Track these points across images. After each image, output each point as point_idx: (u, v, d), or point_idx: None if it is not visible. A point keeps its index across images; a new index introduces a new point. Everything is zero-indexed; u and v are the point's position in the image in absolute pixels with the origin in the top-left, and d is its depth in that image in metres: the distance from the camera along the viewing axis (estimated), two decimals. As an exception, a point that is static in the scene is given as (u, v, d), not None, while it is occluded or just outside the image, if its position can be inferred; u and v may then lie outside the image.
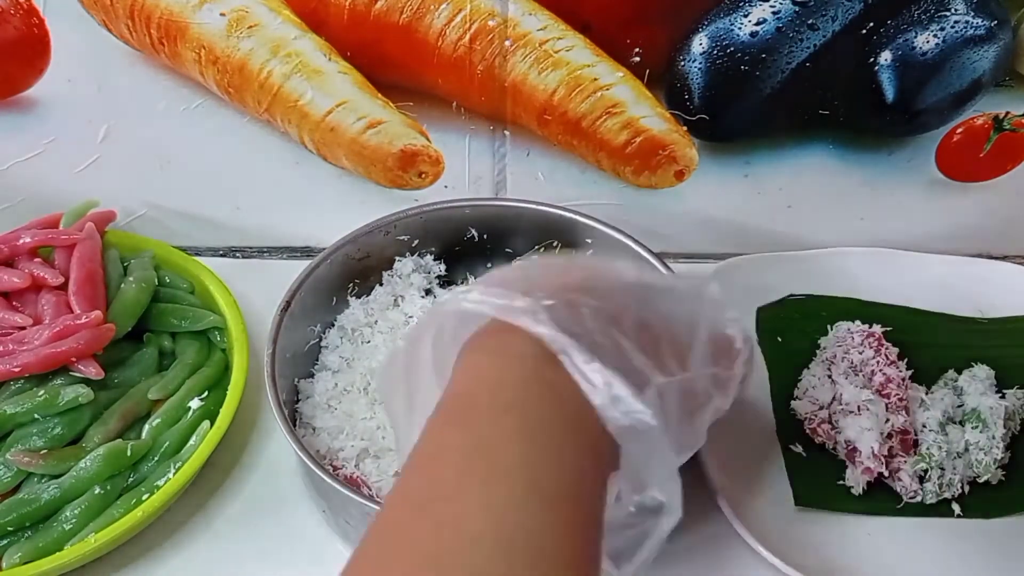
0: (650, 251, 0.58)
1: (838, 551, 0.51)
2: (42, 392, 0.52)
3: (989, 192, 0.67)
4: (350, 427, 0.53)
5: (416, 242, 0.61)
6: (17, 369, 0.52)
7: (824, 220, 0.69)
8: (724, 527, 0.52)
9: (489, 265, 0.62)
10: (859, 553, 0.51)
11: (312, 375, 0.57)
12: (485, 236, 0.61)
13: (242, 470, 0.56)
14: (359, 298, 0.60)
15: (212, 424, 0.53)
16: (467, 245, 0.62)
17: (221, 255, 0.65)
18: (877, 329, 0.60)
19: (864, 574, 0.50)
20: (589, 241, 0.59)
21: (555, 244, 0.61)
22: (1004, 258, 0.69)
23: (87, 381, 0.54)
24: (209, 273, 0.62)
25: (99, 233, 0.64)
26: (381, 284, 0.61)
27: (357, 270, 0.60)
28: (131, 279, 0.60)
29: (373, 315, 0.59)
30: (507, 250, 0.62)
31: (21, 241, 0.61)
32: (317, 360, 0.58)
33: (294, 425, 0.53)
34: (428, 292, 0.61)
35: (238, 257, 0.71)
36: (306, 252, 0.73)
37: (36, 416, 0.53)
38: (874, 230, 0.69)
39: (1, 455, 0.52)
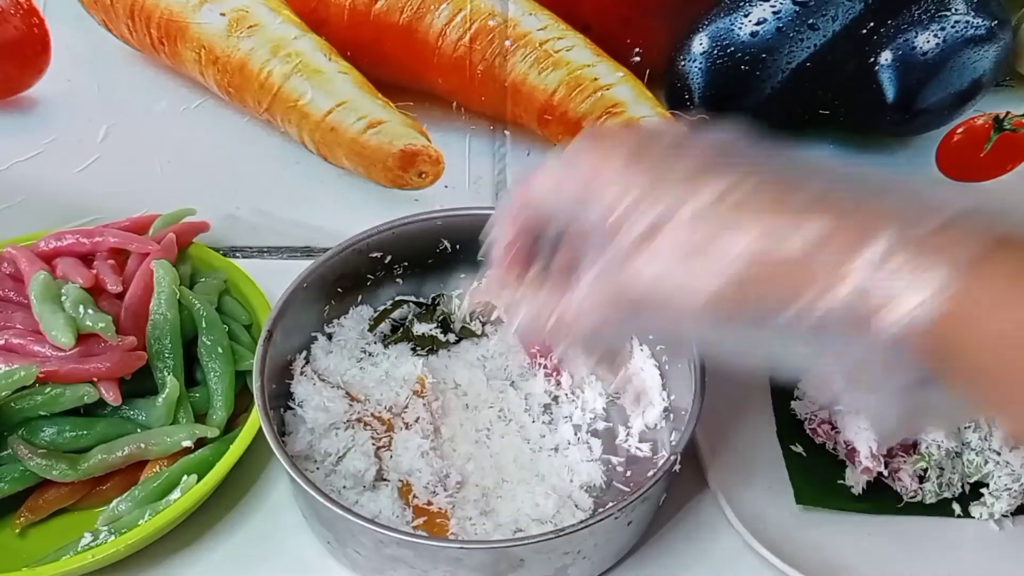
0: None
1: (838, 551, 0.51)
2: (48, 388, 0.52)
3: (989, 192, 0.67)
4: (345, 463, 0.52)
5: (389, 258, 0.60)
6: (41, 374, 0.52)
7: (824, 220, 0.69)
8: (724, 527, 0.52)
9: (463, 276, 0.62)
10: (859, 553, 0.51)
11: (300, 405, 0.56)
12: (458, 246, 0.61)
13: (241, 503, 0.55)
14: (335, 320, 0.60)
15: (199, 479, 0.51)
16: (440, 257, 0.61)
17: (221, 255, 0.65)
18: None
19: (864, 574, 0.50)
20: None
21: None
22: (1004, 258, 0.69)
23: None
24: (266, 308, 0.60)
25: (187, 243, 0.64)
26: (356, 305, 0.61)
27: (333, 291, 0.59)
28: (184, 304, 0.58)
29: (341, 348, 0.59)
30: (480, 259, 0.61)
31: (103, 239, 0.61)
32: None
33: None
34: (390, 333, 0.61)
35: (238, 257, 0.71)
36: (306, 252, 0.73)
37: (41, 412, 0.52)
38: (874, 230, 0.69)
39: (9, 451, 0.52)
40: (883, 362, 0.32)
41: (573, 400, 0.57)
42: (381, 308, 0.61)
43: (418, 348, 0.59)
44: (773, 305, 0.32)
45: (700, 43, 0.60)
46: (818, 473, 0.55)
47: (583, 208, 0.36)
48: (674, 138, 0.37)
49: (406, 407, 0.56)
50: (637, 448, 0.55)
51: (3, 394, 0.51)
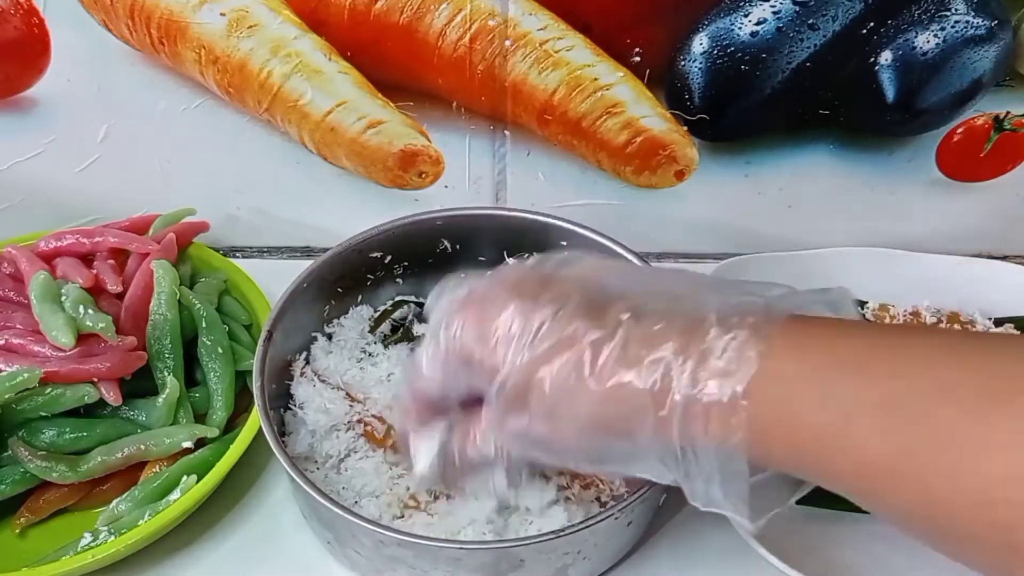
0: (629, 250, 0.57)
1: (838, 551, 0.51)
2: (49, 388, 0.52)
3: (989, 192, 0.67)
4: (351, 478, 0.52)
5: (389, 258, 0.60)
6: (42, 375, 0.52)
7: (824, 220, 0.69)
8: (724, 527, 0.52)
9: (463, 276, 0.62)
10: (859, 553, 0.51)
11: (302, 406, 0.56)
12: (458, 246, 0.61)
13: (241, 503, 0.55)
14: (335, 320, 0.60)
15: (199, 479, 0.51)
16: (439, 257, 0.61)
17: (222, 255, 0.65)
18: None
19: (864, 574, 0.50)
20: (564, 244, 0.59)
21: (527, 256, 0.60)
22: (1004, 258, 0.69)
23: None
24: (266, 308, 0.60)
25: (187, 243, 0.64)
26: (356, 305, 0.61)
27: (333, 291, 0.59)
28: (184, 304, 0.58)
29: (342, 349, 0.58)
30: (480, 259, 0.61)
31: (103, 239, 0.61)
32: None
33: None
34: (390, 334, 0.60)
35: (238, 257, 0.71)
36: (306, 252, 0.73)
37: (42, 413, 0.52)
38: (874, 230, 0.69)
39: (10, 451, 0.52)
40: (722, 476, 0.34)
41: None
42: (382, 309, 0.61)
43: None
44: (624, 438, 0.36)
45: (700, 43, 0.60)
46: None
47: (466, 376, 0.40)
48: (509, 283, 0.40)
49: None
50: (637, 448, 0.54)
51: (6, 396, 0.51)
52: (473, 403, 0.42)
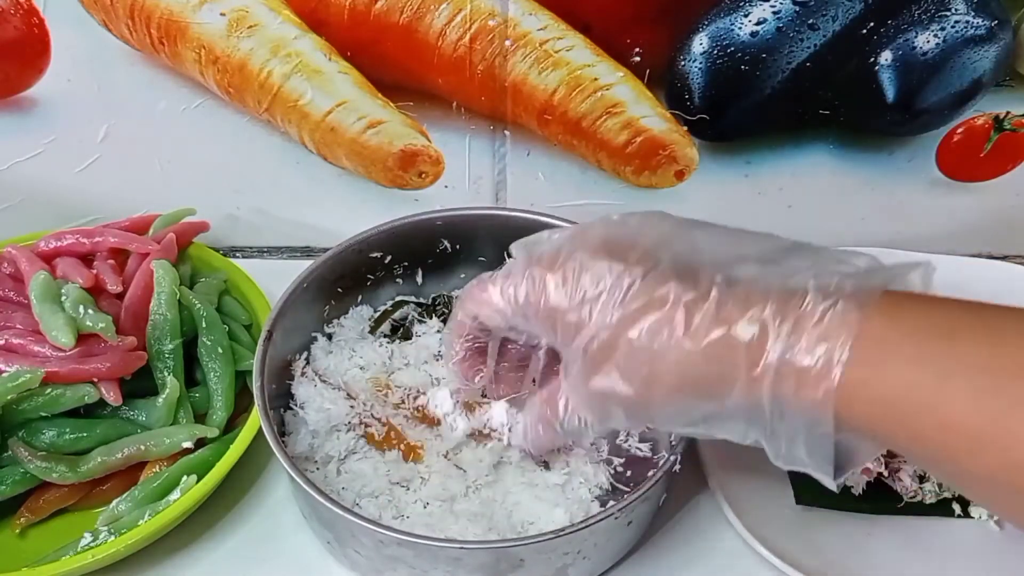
0: None
1: (838, 551, 0.51)
2: (49, 389, 0.52)
3: (989, 192, 0.67)
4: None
5: (389, 258, 0.60)
6: (43, 375, 0.52)
7: (824, 220, 0.69)
8: (724, 527, 0.52)
9: (463, 276, 0.62)
10: (859, 553, 0.51)
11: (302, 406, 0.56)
12: (458, 246, 0.61)
13: (241, 503, 0.55)
14: (335, 320, 0.60)
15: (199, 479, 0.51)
16: (439, 257, 0.61)
17: (221, 255, 0.65)
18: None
19: (864, 574, 0.50)
20: None
21: None
22: (1004, 258, 0.69)
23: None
24: (266, 308, 0.60)
25: (187, 243, 0.64)
26: (356, 305, 0.61)
27: (333, 291, 0.59)
28: (184, 304, 0.58)
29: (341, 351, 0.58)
30: (480, 259, 0.61)
31: (103, 239, 0.61)
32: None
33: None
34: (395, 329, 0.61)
35: (238, 257, 0.71)
36: (306, 252, 0.73)
37: (42, 413, 0.52)
38: (874, 230, 0.69)
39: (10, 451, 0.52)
40: (808, 438, 0.35)
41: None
42: (382, 309, 0.61)
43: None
44: (711, 398, 0.36)
45: (700, 43, 0.60)
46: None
47: (543, 330, 0.41)
48: (596, 242, 0.41)
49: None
50: (637, 448, 0.54)
51: (8, 398, 0.51)
52: (514, 364, 0.44)
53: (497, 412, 0.52)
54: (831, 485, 0.37)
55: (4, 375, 0.51)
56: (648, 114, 0.64)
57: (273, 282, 0.59)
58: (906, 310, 0.34)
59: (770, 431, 0.36)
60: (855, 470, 0.38)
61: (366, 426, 0.54)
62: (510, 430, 0.51)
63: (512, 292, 0.41)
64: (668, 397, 0.37)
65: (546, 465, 0.52)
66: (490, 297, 0.43)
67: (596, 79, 0.62)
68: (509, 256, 0.59)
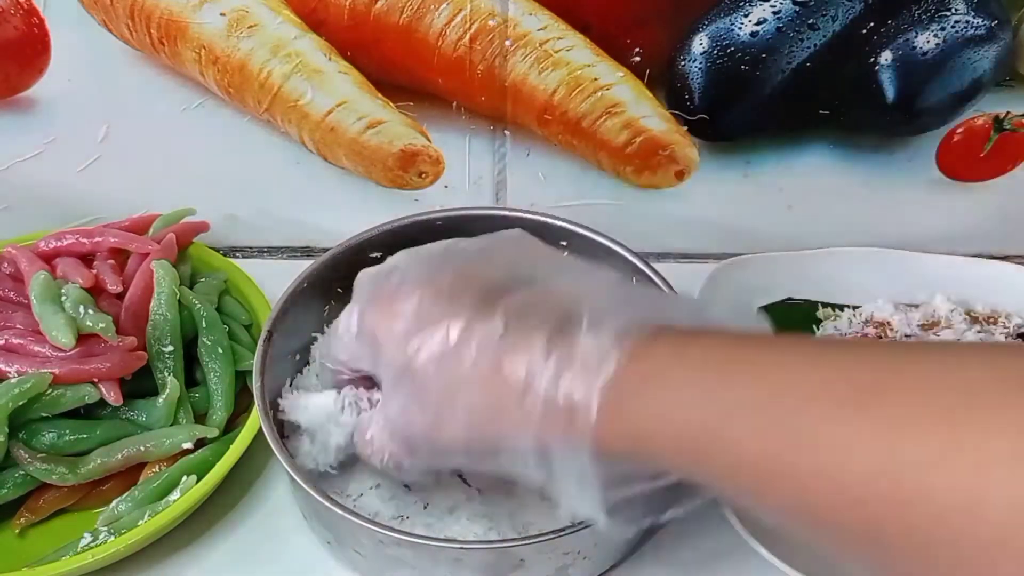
0: (629, 250, 0.57)
1: (838, 551, 0.51)
2: (49, 389, 0.52)
3: (989, 192, 0.67)
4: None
5: None
6: (51, 379, 0.52)
7: (824, 220, 0.69)
8: (724, 527, 0.52)
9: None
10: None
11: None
12: None
13: (241, 503, 0.55)
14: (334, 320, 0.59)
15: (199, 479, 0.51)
16: None
17: (222, 255, 0.65)
18: (870, 330, 0.60)
19: (864, 574, 0.50)
20: (564, 243, 0.59)
21: None
22: (1004, 258, 0.69)
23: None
24: (266, 308, 0.60)
25: (187, 243, 0.63)
26: None
27: (333, 291, 0.59)
28: (184, 304, 0.58)
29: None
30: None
31: (103, 239, 0.60)
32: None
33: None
34: None
35: (238, 257, 0.71)
36: (306, 252, 0.73)
37: (43, 414, 0.52)
38: (874, 230, 0.69)
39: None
40: (579, 478, 0.35)
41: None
42: None
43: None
44: (495, 436, 0.37)
45: (700, 43, 0.60)
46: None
47: (367, 356, 0.42)
48: (417, 271, 0.42)
49: None
50: (637, 448, 0.54)
51: (19, 403, 0.51)
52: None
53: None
54: (604, 528, 0.37)
55: (12, 381, 0.51)
56: (648, 114, 0.64)
57: (273, 282, 0.59)
58: (692, 343, 0.34)
59: (548, 473, 0.36)
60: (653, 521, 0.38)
61: None
62: None
63: (348, 321, 0.43)
64: (458, 428, 0.38)
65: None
66: (335, 328, 0.44)
67: (596, 79, 0.62)
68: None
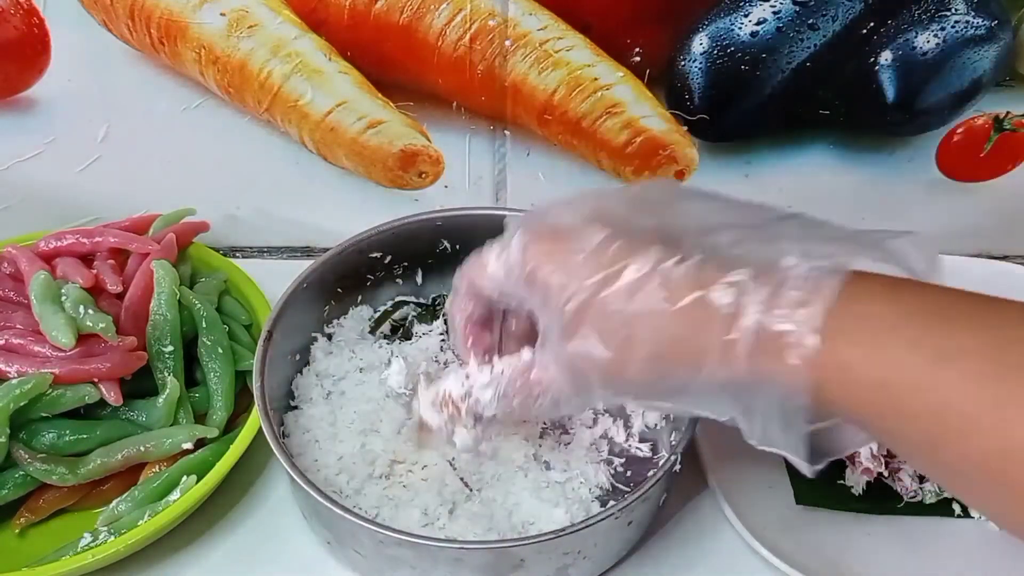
0: None
1: (838, 551, 0.51)
2: (49, 389, 0.52)
3: (989, 192, 0.67)
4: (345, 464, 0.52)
5: (389, 258, 0.60)
6: (51, 379, 0.52)
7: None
8: (724, 527, 0.52)
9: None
10: (859, 553, 0.51)
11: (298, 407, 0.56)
12: (458, 246, 0.61)
13: (241, 503, 0.55)
14: (335, 320, 0.60)
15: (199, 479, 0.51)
16: (439, 257, 0.61)
17: (221, 255, 0.65)
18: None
19: (864, 574, 0.50)
20: None
21: None
22: (1004, 258, 0.69)
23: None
24: (266, 308, 0.60)
25: (187, 243, 0.63)
26: (356, 305, 0.61)
27: (333, 291, 0.59)
28: (184, 304, 0.58)
29: (341, 352, 0.58)
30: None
31: (103, 239, 0.60)
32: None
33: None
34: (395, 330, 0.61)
35: (238, 257, 0.71)
36: (306, 252, 0.73)
37: (43, 414, 0.52)
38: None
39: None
40: (782, 413, 0.34)
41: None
42: (382, 309, 0.61)
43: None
44: (687, 365, 0.35)
45: (700, 43, 0.60)
46: (818, 473, 0.55)
47: (528, 293, 0.40)
48: (587, 209, 0.40)
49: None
50: (637, 448, 0.54)
51: (21, 404, 0.51)
52: (521, 338, 0.43)
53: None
54: (805, 469, 0.36)
55: (13, 381, 0.51)
56: (648, 114, 0.64)
57: (273, 282, 0.59)
58: (904, 285, 0.33)
59: (744, 406, 0.35)
60: (836, 458, 0.37)
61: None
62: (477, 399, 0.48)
63: (504, 257, 0.41)
64: (644, 363, 0.36)
65: (547, 464, 0.52)
66: (484, 263, 0.42)
67: (596, 79, 0.62)
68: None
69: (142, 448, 0.53)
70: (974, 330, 0.31)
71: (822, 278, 0.33)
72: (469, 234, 0.61)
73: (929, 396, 0.31)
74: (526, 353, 0.42)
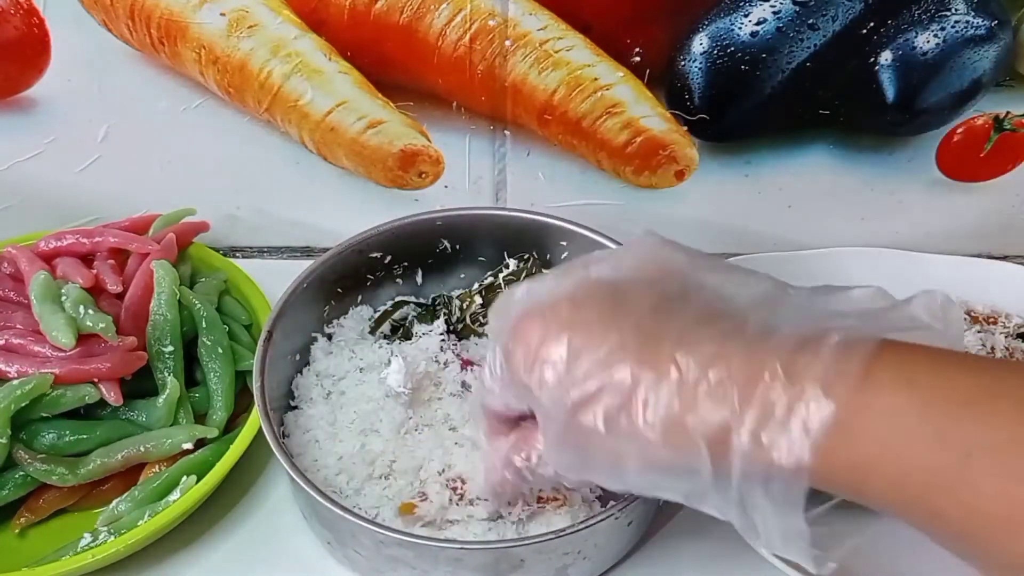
0: None
1: (838, 551, 0.51)
2: (49, 389, 0.52)
3: (989, 192, 0.67)
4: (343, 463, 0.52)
5: (389, 258, 0.60)
6: (52, 380, 0.52)
7: (824, 220, 0.69)
8: (724, 527, 0.52)
9: (463, 276, 0.62)
10: (859, 553, 0.51)
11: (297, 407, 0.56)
12: (458, 246, 0.61)
13: (241, 503, 0.55)
14: (335, 320, 0.60)
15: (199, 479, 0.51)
16: (439, 257, 0.61)
17: (221, 255, 0.65)
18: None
19: (864, 574, 0.50)
20: (564, 244, 0.59)
21: (527, 256, 0.60)
22: (1004, 258, 0.69)
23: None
24: (266, 308, 0.60)
25: (187, 243, 0.63)
26: (356, 306, 0.61)
27: (333, 292, 0.59)
28: (184, 304, 0.58)
29: (342, 352, 0.58)
30: (480, 259, 0.61)
31: (103, 239, 0.60)
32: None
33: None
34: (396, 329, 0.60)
35: (238, 257, 0.71)
36: (306, 252, 0.73)
37: (43, 414, 0.52)
38: (874, 230, 0.69)
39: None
40: (783, 531, 0.33)
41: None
42: (382, 309, 0.61)
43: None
44: (683, 480, 0.34)
45: (700, 43, 0.60)
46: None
47: (520, 401, 0.40)
48: (562, 310, 0.38)
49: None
50: (637, 448, 0.54)
51: (22, 404, 0.51)
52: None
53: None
54: (813, 571, 0.35)
55: (14, 382, 0.51)
56: (648, 114, 0.64)
57: (273, 282, 0.59)
58: (921, 369, 0.31)
59: (745, 525, 0.34)
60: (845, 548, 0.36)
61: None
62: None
63: (488, 371, 0.41)
64: (638, 476, 0.35)
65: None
66: (484, 380, 0.42)
67: (596, 79, 0.62)
68: (505, 264, 0.59)
69: (142, 448, 0.53)
70: (996, 414, 0.30)
71: (812, 400, 0.31)
72: (469, 234, 0.61)
73: (958, 498, 0.30)
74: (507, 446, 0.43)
